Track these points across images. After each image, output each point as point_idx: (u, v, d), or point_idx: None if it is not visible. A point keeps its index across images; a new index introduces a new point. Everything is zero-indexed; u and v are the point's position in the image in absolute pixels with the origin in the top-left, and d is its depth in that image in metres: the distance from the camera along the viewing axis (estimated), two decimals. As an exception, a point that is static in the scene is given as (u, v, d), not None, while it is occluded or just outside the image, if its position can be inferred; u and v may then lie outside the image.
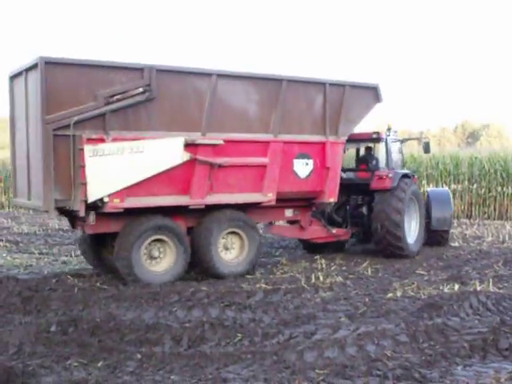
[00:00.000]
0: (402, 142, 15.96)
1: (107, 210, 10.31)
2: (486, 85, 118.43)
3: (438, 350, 6.83)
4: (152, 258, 10.91)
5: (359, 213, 14.84)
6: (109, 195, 10.19)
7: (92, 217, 10.45)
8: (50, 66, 9.76)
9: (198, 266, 11.50)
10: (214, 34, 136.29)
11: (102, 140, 10.13)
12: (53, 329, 7.75)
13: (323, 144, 12.75)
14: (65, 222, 21.77)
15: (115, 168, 10.17)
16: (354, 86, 13.16)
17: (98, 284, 10.60)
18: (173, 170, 10.77)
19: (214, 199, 11.34)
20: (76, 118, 9.90)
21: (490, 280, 10.68)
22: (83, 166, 9.97)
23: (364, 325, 7.90)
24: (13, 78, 11.25)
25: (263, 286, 10.50)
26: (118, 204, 10.32)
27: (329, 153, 12.79)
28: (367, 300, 9.36)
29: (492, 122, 79.94)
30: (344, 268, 12.33)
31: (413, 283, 10.56)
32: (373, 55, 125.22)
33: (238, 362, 6.57)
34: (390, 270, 11.99)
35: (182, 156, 10.79)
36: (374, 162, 14.75)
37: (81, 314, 8.56)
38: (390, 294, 9.74)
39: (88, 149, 9.99)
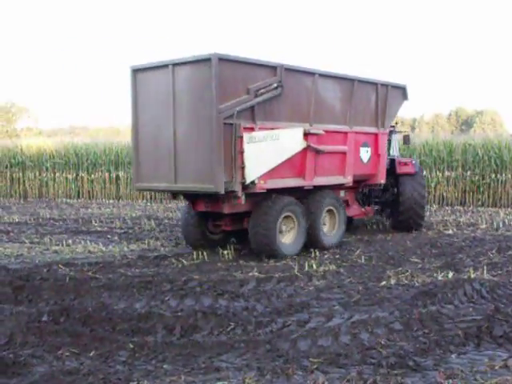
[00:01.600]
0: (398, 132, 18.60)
1: (256, 190, 11.75)
2: (479, 71, 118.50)
3: (432, 337, 6.79)
4: (280, 232, 12.36)
5: (381, 193, 17.07)
6: (258, 178, 11.63)
7: (243, 197, 11.65)
8: (221, 62, 11.07)
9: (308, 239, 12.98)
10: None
11: (252, 129, 11.62)
12: (44, 318, 7.71)
13: (376, 135, 15.08)
14: (56, 212, 21.81)
15: (262, 153, 11.66)
16: (394, 86, 15.49)
17: (89, 273, 10.54)
18: (294, 156, 12.44)
19: (318, 181, 13.22)
20: (238, 109, 11.28)
21: (485, 267, 10.65)
22: (242, 152, 11.37)
23: (358, 313, 7.87)
24: (137, 71, 12.40)
25: (256, 274, 10.46)
26: (263, 185, 11.84)
27: (380, 142, 15.19)
28: (361, 288, 9.32)
29: (486, 109, 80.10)
30: (337, 256, 12.30)
31: (407, 271, 10.53)
32: (368, 40, 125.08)
33: (230, 350, 6.53)
34: (383, 258, 11.95)
35: (302, 143, 12.52)
36: (391, 151, 17.22)
37: (72, 303, 8.52)
38: (383, 282, 9.71)
39: (246, 136, 11.41)
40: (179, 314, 7.86)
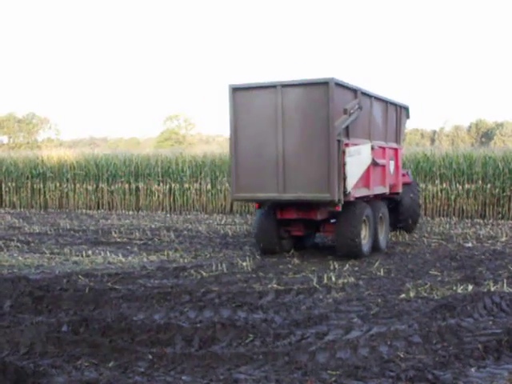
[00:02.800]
0: None
1: (350, 199, 13.10)
2: (500, 83, 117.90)
3: (452, 351, 6.76)
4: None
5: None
6: (352, 187, 12.94)
7: (340, 205, 12.95)
8: (336, 86, 12.57)
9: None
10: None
11: (348, 144, 13.01)
12: (64, 329, 7.74)
13: (396, 150, 16.82)
14: (76, 222, 21.92)
15: (354, 166, 13.08)
16: (402, 107, 17.34)
17: (109, 284, 10.58)
18: (367, 168, 14.01)
19: (375, 191, 14.80)
20: (343, 126, 12.83)
21: (505, 280, 10.59)
22: (344, 164, 12.74)
23: (376, 326, 7.85)
24: (237, 89, 13.41)
25: (275, 286, 10.46)
26: (353, 194, 13.26)
27: (398, 156, 16.95)
28: (380, 301, 9.29)
29: (506, 121, 79.55)
30: (356, 268, 12.26)
31: (426, 284, 10.49)
32: (388, 55, 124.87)
33: (249, 362, 6.53)
34: (402, 271, 11.91)
35: (370, 157, 14.05)
36: None
37: (92, 313, 8.56)
38: (402, 295, 9.67)
39: (346, 151, 12.79)
40: (198, 325, 7.87)
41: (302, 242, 15.34)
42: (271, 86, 13.02)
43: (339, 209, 13.02)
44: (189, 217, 24.85)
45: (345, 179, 12.71)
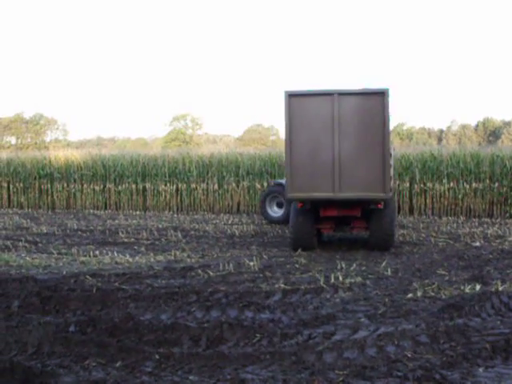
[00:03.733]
0: None
1: (390, 197, 14.52)
2: (507, 82, 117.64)
3: (459, 351, 6.74)
4: None
5: None
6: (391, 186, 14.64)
7: (383, 202, 14.46)
8: (387, 96, 13.95)
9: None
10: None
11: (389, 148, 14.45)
12: (71, 329, 7.77)
13: None
14: (83, 223, 21.97)
15: (392, 167, 14.98)
16: None
17: (116, 284, 10.60)
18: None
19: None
20: (390, 131, 14.49)
21: (512, 280, 10.56)
22: (390, 166, 14.27)
23: (384, 325, 7.84)
24: (293, 96, 14.26)
25: (282, 286, 10.45)
26: (391, 193, 14.71)
27: None
28: (387, 300, 9.28)
29: (513, 120, 79.26)
30: (363, 268, 12.25)
31: (433, 283, 10.46)
32: (392, 52, 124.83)
33: (256, 362, 6.53)
34: (409, 270, 11.89)
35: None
36: None
37: (99, 314, 8.57)
38: (410, 295, 9.65)
39: (393, 154, 14.55)
40: (205, 325, 7.88)
41: (321, 238, 16.25)
42: (328, 94, 14.13)
43: (381, 206, 14.33)
44: (196, 217, 24.89)
45: (390, 179, 14.25)
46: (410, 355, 6.64)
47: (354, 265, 12.52)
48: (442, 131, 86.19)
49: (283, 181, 18.99)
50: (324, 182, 14.14)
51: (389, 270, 11.89)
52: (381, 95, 13.95)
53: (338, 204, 14.59)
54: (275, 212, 21.87)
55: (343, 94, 14.06)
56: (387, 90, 13.87)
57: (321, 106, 14.16)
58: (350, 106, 14.10)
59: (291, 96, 14.24)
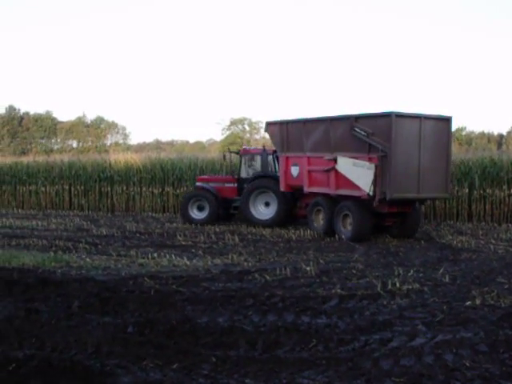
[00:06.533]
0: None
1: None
2: None
3: (519, 360, 6.63)
4: None
5: None
6: None
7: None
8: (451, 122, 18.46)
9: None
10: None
11: None
12: (130, 330, 7.88)
13: None
14: (142, 225, 22.23)
15: None
16: None
17: (174, 287, 10.70)
18: None
19: None
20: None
21: None
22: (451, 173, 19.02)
23: (442, 333, 7.74)
24: (398, 116, 17.22)
25: (339, 291, 10.41)
26: None
27: None
28: (445, 308, 9.17)
29: None
30: (421, 275, 12.11)
31: (492, 291, 10.29)
32: (453, 58, 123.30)
33: (312, 367, 6.53)
34: (468, 278, 11.72)
35: None
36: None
37: (157, 315, 8.66)
38: (468, 302, 9.51)
39: None
40: (261, 329, 7.91)
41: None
42: (417, 117, 17.60)
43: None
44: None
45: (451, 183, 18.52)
46: (468, 364, 6.55)
47: (412, 271, 12.39)
48: (502, 136, 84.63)
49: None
50: (413, 185, 17.58)
51: (447, 276, 11.73)
52: (447, 120, 18.32)
53: (398, 202, 17.77)
54: (196, 215, 23.19)
55: (426, 117, 17.73)
56: (451, 117, 18.26)
57: (412, 126, 17.48)
58: (429, 127, 17.77)
59: (398, 116, 17.17)
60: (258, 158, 22.89)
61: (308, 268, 12.65)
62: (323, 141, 19.17)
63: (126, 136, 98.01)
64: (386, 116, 17.16)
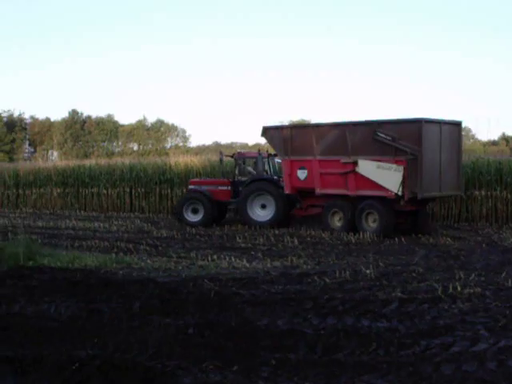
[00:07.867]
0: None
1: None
2: None
3: None
4: None
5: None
6: None
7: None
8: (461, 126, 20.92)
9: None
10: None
11: None
12: (190, 331, 7.96)
13: None
14: (201, 228, 22.38)
15: None
16: None
17: (233, 288, 10.75)
18: None
19: None
20: None
21: None
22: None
23: (505, 338, 7.60)
24: (425, 122, 18.84)
25: (399, 294, 10.32)
26: None
27: None
28: (508, 312, 8.99)
29: None
30: (482, 278, 11.90)
31: (558, 296, 10.07)
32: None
33: (372, 371, 6.49)
34: (532, 282, 11.48)
35: None
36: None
37: (217, 317, 8.72)
38: (533, 307, 9.32)
39: None
40: (321, 332, 7.90)
41: None
42: (438, 122, 19.39)
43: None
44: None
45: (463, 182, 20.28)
46: (532, 370, 6.42)
47: (473, 275, 12.19)
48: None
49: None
50: (436, 185, 19.33)
51: (509, 280, 11.49)
52: (459, 125, 20.58)
53: (414, 200, 19.13)
54: (191, 217, 23.43)
55: (445, 123, 19.69)
56: (461, 121, 20.67)
57: (435, 131, 19.18)
58: (446, 132, 19.59)
59: (426, 122, 18.79)
60: (254, 162, 23.81)
61: (367, 271, 12.58)
62: (338, 145, 20.06)
63: (185, 139, 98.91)
64: (416, 122, 18.92)
